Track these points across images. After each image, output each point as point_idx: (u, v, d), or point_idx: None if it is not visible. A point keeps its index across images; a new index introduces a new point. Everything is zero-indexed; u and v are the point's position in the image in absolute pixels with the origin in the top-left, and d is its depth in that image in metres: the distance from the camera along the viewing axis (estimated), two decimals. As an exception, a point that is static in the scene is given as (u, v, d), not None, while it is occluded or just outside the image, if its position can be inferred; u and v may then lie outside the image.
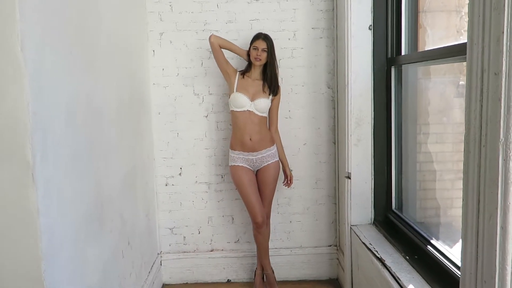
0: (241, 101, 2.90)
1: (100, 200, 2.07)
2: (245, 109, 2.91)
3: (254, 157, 2.97)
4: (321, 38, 3.28)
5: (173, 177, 3.37)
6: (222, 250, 3.44)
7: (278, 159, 3.06)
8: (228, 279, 3.44)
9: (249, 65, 2.97)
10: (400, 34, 2.64)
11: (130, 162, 2.65)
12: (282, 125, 3.31)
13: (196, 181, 3.38)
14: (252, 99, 2.91)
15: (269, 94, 2.94)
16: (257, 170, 3.04)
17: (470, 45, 1.26)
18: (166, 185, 3.37)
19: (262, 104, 2.91)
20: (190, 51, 3.26)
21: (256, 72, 2.96)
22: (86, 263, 1.86)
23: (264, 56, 2.88)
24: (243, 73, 2.97)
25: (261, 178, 3.03)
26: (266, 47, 2.88)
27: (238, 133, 2.96)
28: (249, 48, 2.93)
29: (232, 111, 2.96)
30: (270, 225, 3.21)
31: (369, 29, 2.75)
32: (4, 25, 1.30)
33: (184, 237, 3.43)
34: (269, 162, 2.99)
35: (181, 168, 3.37)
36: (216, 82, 3.27)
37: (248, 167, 3.00)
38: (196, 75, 3.29)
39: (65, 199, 1.65)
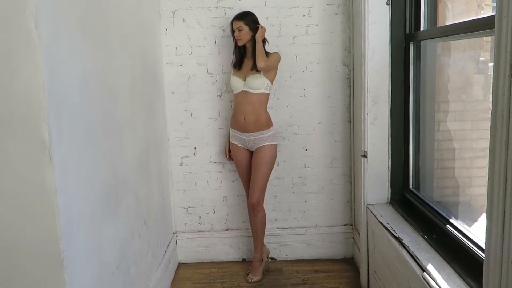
0: (234, 84, 2.99)
1: (116, 179, 2.07)
2: (240, 90, 2.96)
3: (246, 138, 3.01)
4: (336, 14, 3.20)
5: (187, 157, 3.36)
6: (237, 229, 3.45)
7: (273, 143, 3.01)
8: (243, 258, 3.45)
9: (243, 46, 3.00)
10: (419, 9, 2.55)
11: (144, 141, 2.63)
12: (296, 104, 3.28)
13: (211, 161, 3.37)
14: (244, 78, 2.95)
15: (257, 70, 2.91)
16: (253, 152, 3.07)
17: (499, 18, 1.20)
18: (181, 165, 3.37)
19: (255, 81, 2.90)
20: (203, 29, 3.21)
21: (248, 52, 2.98)
22: (103, 242, 1.87)
23: (242, 34, 2.89)
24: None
25: (253, 160, 3.04)
26: (241, 25, 2.88)
27: (235, 112, 3.04)
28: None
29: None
30: (275, 207, 3.21)
31: (387, 4, 2.66)
32: (17, 0, 1.27)
33: (199, 217, 3.44)
34: (262, 145, 2.98)
35: (195, 148, 3.36)
36: (230, 61, 3.21)
37: (242, 146, 3.07)
38: (209, 53, 3.25)
39: (81, 178, 1.64)
